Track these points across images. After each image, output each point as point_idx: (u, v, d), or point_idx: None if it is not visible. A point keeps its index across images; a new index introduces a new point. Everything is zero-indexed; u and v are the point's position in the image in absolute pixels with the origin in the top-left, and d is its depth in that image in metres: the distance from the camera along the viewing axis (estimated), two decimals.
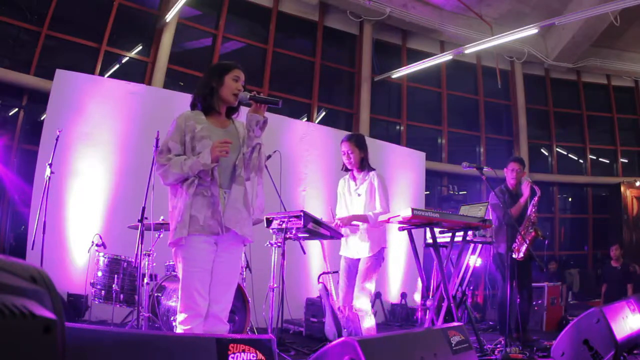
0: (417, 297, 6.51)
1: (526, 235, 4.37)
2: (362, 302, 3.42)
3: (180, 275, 2.29)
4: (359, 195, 3.60)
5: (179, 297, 2.29)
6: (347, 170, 3.72)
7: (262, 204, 2.52)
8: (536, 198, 4.50)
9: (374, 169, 3.63)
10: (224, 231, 2.28)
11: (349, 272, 3.60)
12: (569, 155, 10.83)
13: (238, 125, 2.49)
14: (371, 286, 3.47)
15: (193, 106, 2.46)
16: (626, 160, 10.83)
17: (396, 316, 6.62)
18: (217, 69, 2.46)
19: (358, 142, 3.61)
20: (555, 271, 8.51)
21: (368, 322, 3.42)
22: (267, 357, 1.70)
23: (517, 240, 4.35)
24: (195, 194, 2.27)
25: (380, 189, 3.54)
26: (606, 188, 10.45)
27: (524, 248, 4.32)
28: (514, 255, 4.33)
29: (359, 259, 3.54)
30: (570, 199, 11.20)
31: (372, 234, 3.50)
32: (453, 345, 2.24)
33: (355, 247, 3.54)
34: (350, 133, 3.77)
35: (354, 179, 3.67)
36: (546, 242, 9.66)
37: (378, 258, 3.50)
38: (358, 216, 3.50)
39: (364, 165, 3.60)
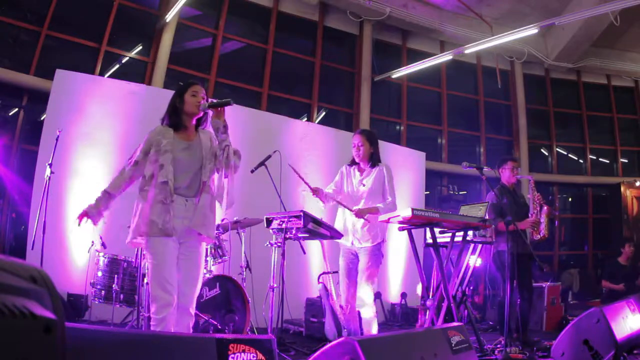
0: (418, 289, 6.50)
1: (541, 213, 4.47)
2: (364, 292, 3.47)
3: (150, 265, 2.54)
4: (363, 185, 3.65)
5: (152, 284, 2.52)
6: (353, 163, 3.77)
7: (233, 198, 2.77)
8: (532, 182, 4.62)
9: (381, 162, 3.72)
10: (175, 234, 2.56)
11: (348, 270, 3.64)
12: (569, 155, 10.82)
13: (203, 137, 2.74)
14: (373, 286, 3.53)
15: (163, 121, 2.76)
16: (626, 160, 10.83)
17: (396, 316, 6.62)
18: (178, 90, 2.77)
19: (370, 137, 3.70)
20: (550, 273, 8.49)
21: (367, 313, 3.45)
22: (267, 357, 1.70)
23: (533, 220, 4.45)
24: (156, 202, 2.54)
25: (389, 181, 3.64)
26: (606, 188, 10.45)
27: (542, 227, 4.43)
28: (535, 237, 4.42)
29: (356, 254, 3.58)
30: (570, 199, 11.20)
31: (373, 227, 3.54)
32: (453, 345, 2.24)
33: (357, 236, 3.58)
34: (361, 128, 3.87)
35: (360, 170, 3.74)
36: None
37: (378, 253, 3.54)
38: (370, 208, 3.56)
39: (373, 160, 3.67)
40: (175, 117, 2.70)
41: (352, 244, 3.63)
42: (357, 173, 3.74)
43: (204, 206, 2.63)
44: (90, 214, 2.63)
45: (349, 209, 3.57)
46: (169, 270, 2.51)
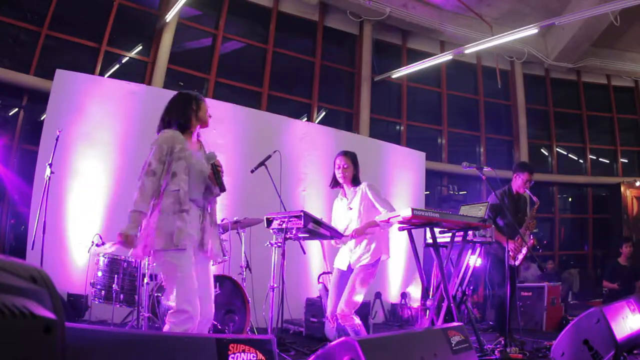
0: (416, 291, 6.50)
1: (524, 244, 4.39)
2: (346, 319, 3.37)
3: (174, 279, 2.41)
4: (350, 208, 3.61)
5: (178, 297, 2.39)
6: (335, 184, 3.72)
7: None
8: (536, 207, 4.55)
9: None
10: (192, 245, 2.48)
11: (339, 282, 3.54)
12: (569, 155, 10.83)
13: (203, 147, 2.74)
14: (359, 299, 3.42)
15: (166, 124, 2.61)
16: (626, 160, 10.84)
17: (396, 316, 6.62)
18: (192, 97, 2.69)
19: (354, 159, 3.67)
20: (554, 271, 8.50)
21: (352, 323, 3.39)
22: (267, 357, 1.70)
23: (515, 245, 4.37)
24: (172, 212, 2.45)
25: (375, 196, 3.55)
26: (606, 188, 10.46)
27: (520, 256, 4.35)
28: (510, 261, 4.34)
29: (351, 270, 3.49)
30: (570, 199, 11.20)
31: (371, 243, 3.48)
32: (453, 345, 2.24)
33: (354, 256, 3.49)
34: (344, 150, 3.77)
35: (345, 194, 3.70)
36: (545, 241, 9.72)
37: (372, 270, 3.45)
38: (369, 223, 3.48)
39: (355, 181, 3.64)
40: (190, 122, 2.62)
41: (349, 266, 3.52)
42: (344, 200, 3.70)
43: (215, 228, 2.62)
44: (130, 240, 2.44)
45: (346, 238, 3.54)
46: (194, 282, 2.42)
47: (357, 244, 3.52)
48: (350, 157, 3.66)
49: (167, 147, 2.50)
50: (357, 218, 3.54)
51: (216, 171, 2.60)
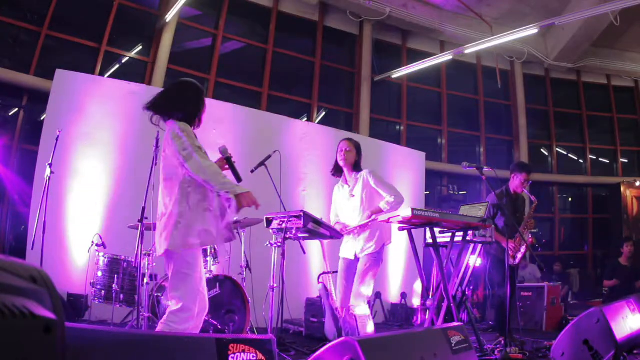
0: (416, 300, 6.49)
1: (523, 242, 4.40)
2: (360, 309, 3.42)
3: (193, 275, 2.40)
4: (353, 196, 3.62)
5: (187, 295, 2.37)
6: (336, 172, 3.74)
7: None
8: (534, 206, 4.56)
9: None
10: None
11: (347, 272, 3.60)
12: (569, 155, 10.83)
13: None
14: (369, 289, 3.47)
15: (168, 114, 2.58)
16: (626, 160, 10.84)
17: (396, 316, 6.61)
18: (202, 89, 2.68)
19: (357, 146, 3.70)
20: (560, 272, 8.50)
21: (362, 311, 3.44)
22: (267, 357, 1.70)
23: (514, 244, 4.38)
24: (205, 209, 2.44)
25: (377, 182, 3.57)
26: (606, 188, 10.46)
27: (519, 255, 4.36)
28: (509, 261, 4.35)
29: (358, 259, 3.55)
30: (570, 199, 11.20)
31: (375, 231, 3.51)
32: (453, 345, 2.24)
33: (359, 245, 3.54)
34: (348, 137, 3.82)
35: (347, 182, 3.71)
36: (544, 240, 9.73)
37: (378, 258, 3.51)
38: (372, 212, 3.51)
39: (356, 167, 3.66)
40: (192, 119, 2.57)
41: (355, 255, 3.59)
42: (345, 187, 3.71)
43: None
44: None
45: (351, 231, 3.58)
46: (199, 281, 2.45)
47: (361, 233, 3.56)
48: (354, 143, 3.70)
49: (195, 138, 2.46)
50: (360, 206, 3.56)
51: (231, 163, 2.65)
